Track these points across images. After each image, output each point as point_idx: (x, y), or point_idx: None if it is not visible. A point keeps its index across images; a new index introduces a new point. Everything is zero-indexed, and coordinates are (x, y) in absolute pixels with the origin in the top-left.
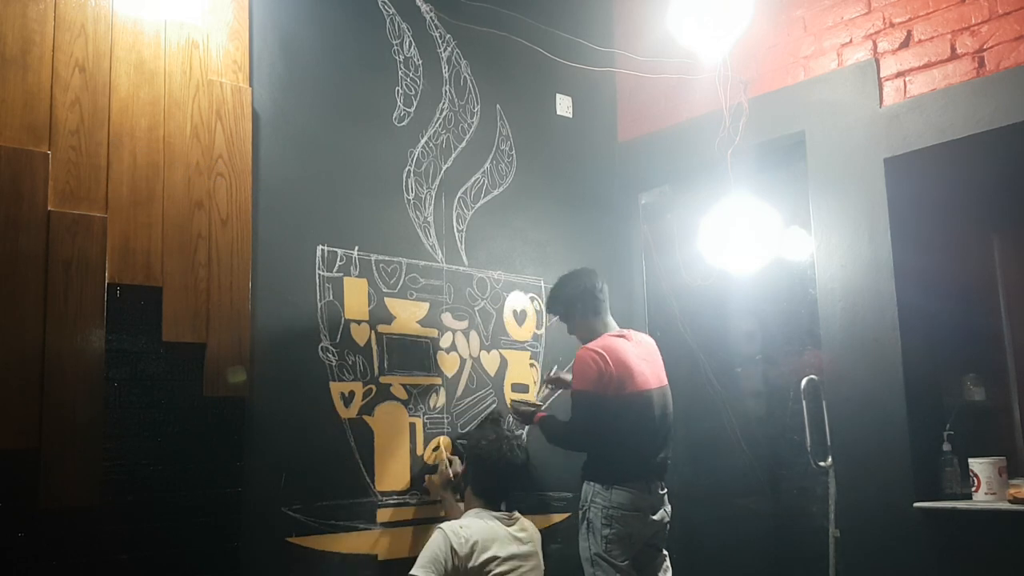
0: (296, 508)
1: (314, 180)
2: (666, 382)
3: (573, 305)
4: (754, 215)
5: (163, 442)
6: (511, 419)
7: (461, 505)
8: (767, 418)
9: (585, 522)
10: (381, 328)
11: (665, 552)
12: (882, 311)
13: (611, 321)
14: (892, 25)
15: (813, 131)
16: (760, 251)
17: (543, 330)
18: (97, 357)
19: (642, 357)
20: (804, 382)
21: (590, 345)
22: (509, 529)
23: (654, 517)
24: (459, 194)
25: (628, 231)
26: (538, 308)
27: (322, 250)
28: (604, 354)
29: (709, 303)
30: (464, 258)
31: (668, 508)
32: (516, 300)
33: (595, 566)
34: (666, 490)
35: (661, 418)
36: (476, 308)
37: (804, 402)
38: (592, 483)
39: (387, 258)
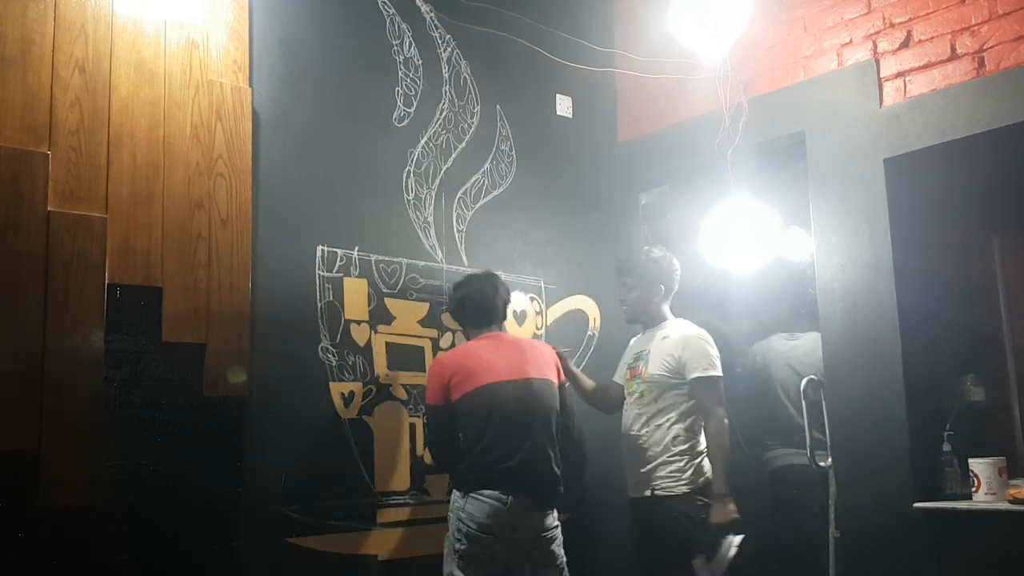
0: (296, 508)
1: (314, 180)
2: (543, 376)
3: (457, 318)
4: (754, 215)
5: (163, 442)
6: None
7: (586, 378)
8: (767, 418)
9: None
10: (381, 328)
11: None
12: (882, 311)
13: (488, 329)
14: (892, 25)
15: (813, 131)
16: (760, 251)
17: (543, 330)
18: (97, 357)
19: (501, 353)
20: (804, 382)
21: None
22: None
23: (523, 534)
24: (459, 194)
25: (628, 231)
26: (538, 309)
27: (322, 250)
28: (442, 360)
29: (709, 303)
30: (464, 258)
31: (550, 522)
32: (516, 300)
33: None
34: (550, 502)
35: (524, 415)
36: None
37: (804, 402)
38: (454, 490)
39: (387, 258)
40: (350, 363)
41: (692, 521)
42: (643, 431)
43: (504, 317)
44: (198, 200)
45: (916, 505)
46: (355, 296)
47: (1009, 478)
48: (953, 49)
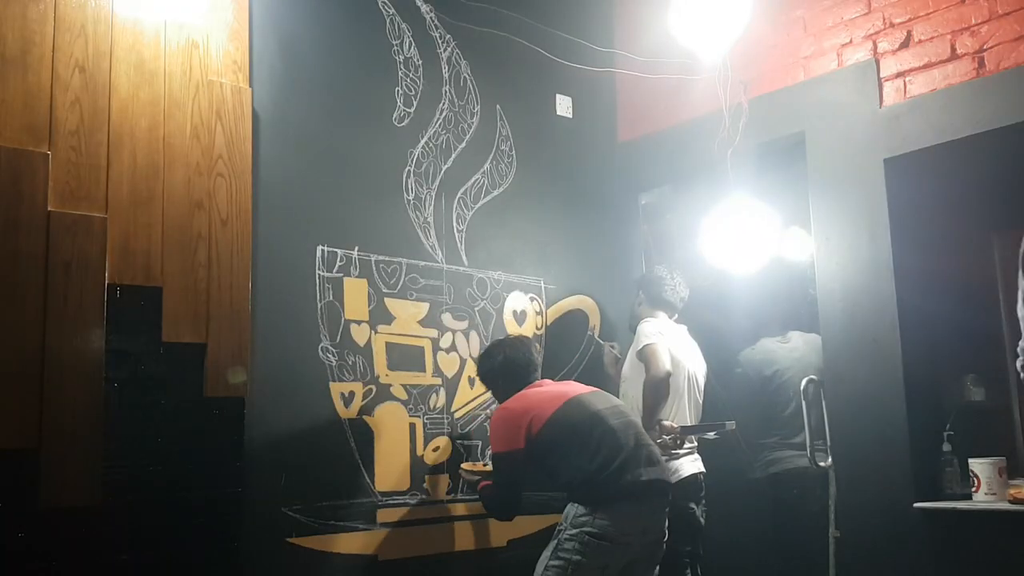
0: (296, 508)
1: (314, 180)
2: (593, 389)
3: (494, 381)
4: (754, 215)
5: (163, 442)
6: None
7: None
8: (767, 418)
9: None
10: (381, 328)
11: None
12: (882, 311)
13: (534, 380)
14: (892, 25)
15: (813, 131)
16: (760, 251)
17: (543, 330)
18: (97, 357)
19: (558, 386)
20: (804, 382)
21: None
22: None
23: (651, 537)
24: (459, 194)
25: (628, 231)
26: (538, 309)
27: (322, 250)
28: (508, 406)
29: (709, 303)
30: (464, 258)
31: (667, 525)
32: (516, 300)
33: None
34: (670, 501)
35: (615, 417)
36: (476, 308)
37: (804, 402)
38: (576, 506)
39: (387, 258)
40: (350, 363)
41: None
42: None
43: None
44: (198, 200)
45: (916, 505)
46: (355, 296)
47: (1009, 478)
48: (953, 49)
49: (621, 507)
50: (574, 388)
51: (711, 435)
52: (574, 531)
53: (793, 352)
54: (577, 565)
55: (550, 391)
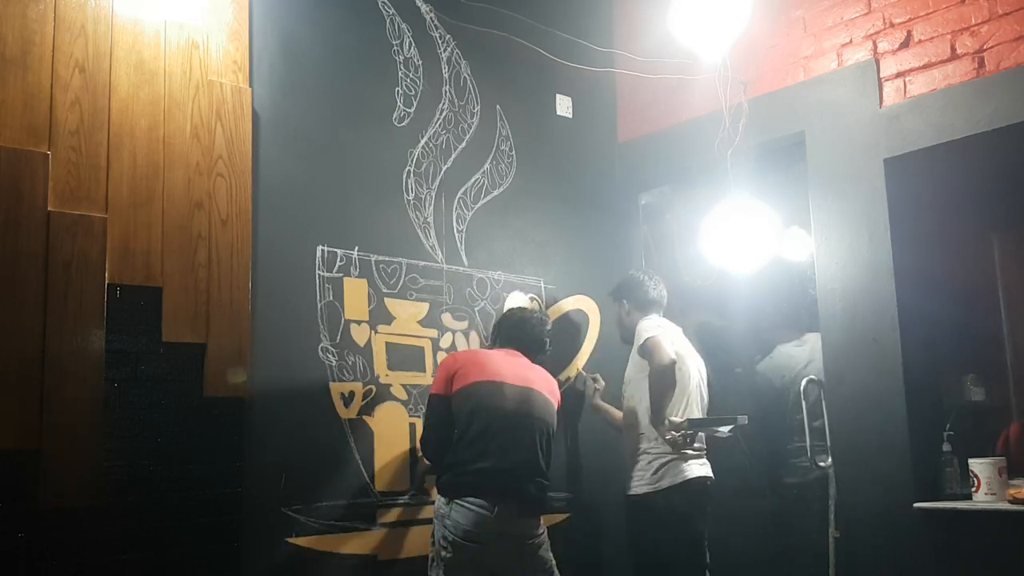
0: (296, 508)
1: (314, 180)
2: (545, 392)
3: (496, 326)
4: (754, 215)
5: (163, 442)
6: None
7: (613, 409)
8: (767, 418)
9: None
10: (382, 328)
11: None
12: (882, 311)
13: (512, 349)
14: (892, 25)
15: (813, 131)
16: (760, 251)
17: None
18: (97, 357)
19: (512, 363)
20: (804, 382)
21: None
22: None
23: (508, 543)
24: (459, 194)
25: (628, 231)
26: (538, 309)
27: (322, 250)
28: (455, 354)
29: (709, 303)
30: (464, 258)
31: (536, 529)
32: (516, 301)
33: None
34: (537, 510)
35: (521, 419)
36: (476, 308)
37: (804, 403)
38: (438, 497)
39: (387, 258)
40: (350, 363)
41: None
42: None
43: (534, 354)
44: (198, 200)
45: (916, 505)
46: (355, 296)
47: (1009, 478)
48: (953, 49)
49: (472, 504)
50: (519, 375)
51: (724, 431)
52: (438, 524)
53: (813, 354)
54: (447, 562)
55: (497, 363)
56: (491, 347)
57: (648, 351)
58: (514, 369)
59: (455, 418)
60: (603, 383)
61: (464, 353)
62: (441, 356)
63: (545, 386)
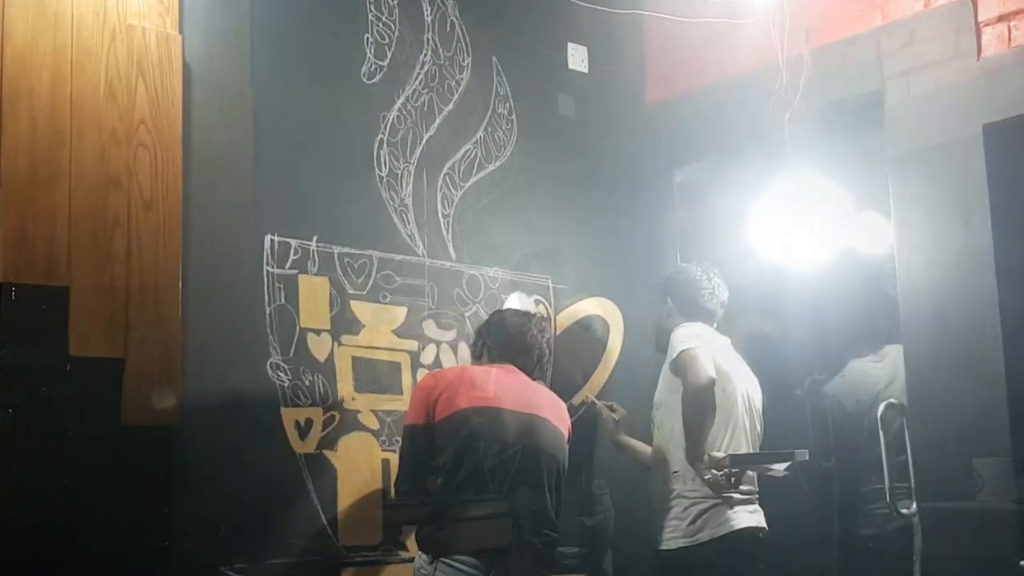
0: (239, 567)
1: (261, 152)
2: (554, 421)
3: (483, 331)
4: (817, 196)
5: (72, 483)
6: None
7: (639, 443)
8: (835, 453)
9: None
10: (346, 340)
11: None
12: (980, 317)
13: (507, 365)
14: None
15: (893, 90)
16: (825, 242)
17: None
18: None
19: (510, 383)
20: (882, 408)
21: None
22: None
23: None
24: (445, 170)
25: (659, 217)
26: (545, 314)
27: (271, 241)
28: (435, 373)
29: (761, 308)
30: (451, 251)
31: None
32: (518, 304)
33: None
34: (545, 569)
35: (524, 455)
36: (467, 314)
37: (881, 432)
38: (419, 553)
39: (354, 251)
40: (307, 383)
41: None
42: None
43: (533, 370)
44: (114, 176)
45: None
46: (313, 298)
47: None
48: None
49: (462, 564)
50: (521, 399)
51: (780, 469)
52: None
53: (894, 372)
54: None
55: (491, 384)
56: (478, 362)
57: (682, 367)
58: (514, 391)
59: (439, 454)
60: (623, 411)
61: (449, 371)
62: (422, 374)
63: (553, 412)
